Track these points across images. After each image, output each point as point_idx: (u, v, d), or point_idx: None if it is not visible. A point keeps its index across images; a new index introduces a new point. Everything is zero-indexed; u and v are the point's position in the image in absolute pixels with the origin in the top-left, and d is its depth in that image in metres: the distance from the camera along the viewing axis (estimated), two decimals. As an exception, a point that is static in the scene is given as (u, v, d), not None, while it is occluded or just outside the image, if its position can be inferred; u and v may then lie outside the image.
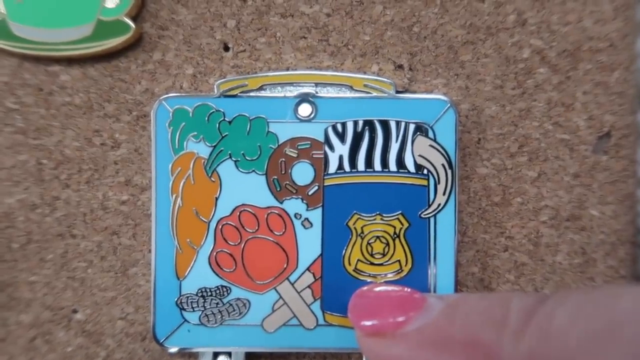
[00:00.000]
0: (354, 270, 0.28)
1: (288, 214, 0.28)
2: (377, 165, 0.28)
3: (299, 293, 0.28)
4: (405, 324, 0.24)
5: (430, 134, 0.27)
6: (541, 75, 0.29)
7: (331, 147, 0.28)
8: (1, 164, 0.30)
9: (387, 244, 0.28)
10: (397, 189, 0.28)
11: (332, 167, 0.28)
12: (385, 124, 0.28)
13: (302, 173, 0.28)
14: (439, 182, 0.28)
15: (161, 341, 0.28)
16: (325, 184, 0.28)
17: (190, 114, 0.28)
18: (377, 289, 0.26)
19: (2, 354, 0.30)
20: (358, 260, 0.28)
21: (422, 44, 0.29)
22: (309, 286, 0.28)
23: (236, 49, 0.29)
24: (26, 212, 0.30)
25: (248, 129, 0.28)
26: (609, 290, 0.20)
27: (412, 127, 0.28)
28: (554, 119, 0.29)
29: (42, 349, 0.30)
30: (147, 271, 0.30)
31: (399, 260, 0.28)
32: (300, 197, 0.28)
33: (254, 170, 0.28)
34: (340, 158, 0.28)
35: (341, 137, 0.28)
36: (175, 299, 0.28)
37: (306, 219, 0.28)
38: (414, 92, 0.29)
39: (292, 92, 0.28)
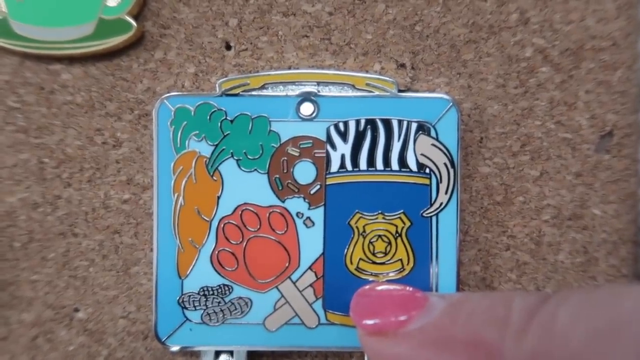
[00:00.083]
0: (355, 269, 0.28)
1: (290, 213, 0.28)
2: (379, 164, 0.28)
3: (300, 292, 0.28)
4: (407, 323, 0.24)
5: (433, 133, 0.27)
6: (543, 74, 0.29)
7: (333, 146, 0.28)
8: (3, 162, 0.30)
9: (389, 243, 0.28)
10: (399, 187, 0.28)
11: (334, 166, 0.28)
12: (387, 123, 0.27)
13: (304, 172, 0.28)
14: (441, 181, 0.28)
15: (163, 340, 0.28)
16: (327, 183, 0.28)
17: (192, 113, 0.28)
18: (379, 287, 0.26)
19: (4, 352, 0.30)
20: (360, 259, 0.28)
21: (424, 43, 0.29)
22: (310, 285, 0.28)
23: (238, 47, 0.29)
24: (28, 211, 0.30)
25: (250, 128, 0.28)
26: (611, 289, 0.20)
27: (414, 126, 0.27)
28: (556, 118, 0.29)
29: (43, 348, 0.30)
30: (149, 270, 0.30)
31: (400, 259, 0.28)
32: (302, 196, 0.28)
33: (255, 169, 0.28)
34: (342, 157, 0.28)
35: (343, 136, 0.28)
36: (177, 298, 0.28)
37: (308, 217, 0.28)
38: (416, 91, 0.29)
39: (294, 91, 0.28)
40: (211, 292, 0.28)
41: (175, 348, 0.28)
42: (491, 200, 0.30)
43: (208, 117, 0.28)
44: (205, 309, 0.28)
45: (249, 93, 0.28)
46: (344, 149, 0.28)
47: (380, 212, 0.28)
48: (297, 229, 0.28)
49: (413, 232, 0.28)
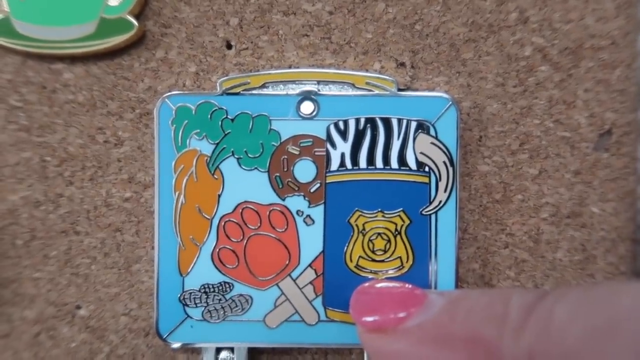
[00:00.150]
0: (355, 267, 0.28)
1: (290, 211, 0.28)
2: (379, 163, 0.28)
3: (300, 289, 0.28)
4: (406, 319, 0.24)
5: (432, 132, 0.28)
6: (543, 73, 0.29)
7: (333, 145, 0.28)
8: (5, 161, 0.30)
9: (389, 241, 0.28)
10: (398, 186, 0.28)
11: (334, 164, 0.28)
12: (387, 122, 0.28)
13: (304, 170, 0.28)
14: (440, 180, 0.28)
15: (164, 337, 0.28)
16: (327, 181, 0.28)
17: (193, 112, 0.28)
18: (379, 285, 0.27)
19: (6, 349, 0.30)
20: (359, 256, 0.28)
21: (424, 42, 0.29)
22: (310, 282, 0.28)
23: (239, 46, 0.30)
24: (30, 209, 0.30)
25: (250, 126, 0.28)
26: (609, 286, 0.20)
27: (413, 124, 0.28)
28: (555, 117, 0.29)
29: (46, 345, 0.30)
30: (150, 267, 0.30)
31: (400, 257, 0.28)
32: (302, 194, 0.28)
33: (256, 168, 0.28)
34: (342, 155, 0.28)
35: (343, 134, 0.28)
36: (178, 295, 0.28)
37: (308, 215, 0.28)
38: (416, 89, 0.29)
39: (295, 89, 0.28)
40: (212, 290, 0.28)
41: (176, 345, 0.28)
42: (490, 199, 0.30)
43: (209, 116, 0.28)
44: (206, 306, 0.28)
45: (250, 92, 0.28)
46: (343, 147, 0.28)
47: (379, 210, 0.28)
48: (297, 227, 0.28)
49: (412, 230, 0.28)
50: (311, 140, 0.28)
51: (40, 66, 0.30)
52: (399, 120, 0.28)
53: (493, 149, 0.30)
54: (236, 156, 0.28)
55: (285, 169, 0.28)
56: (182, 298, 0.28)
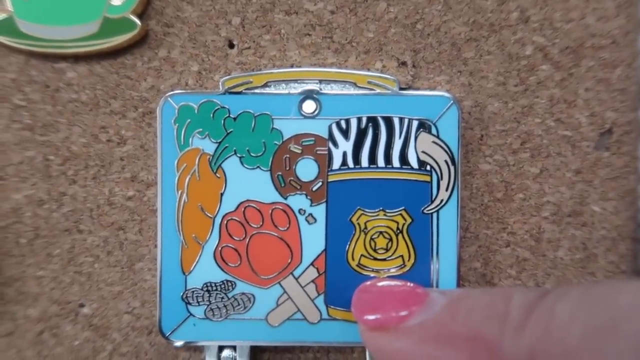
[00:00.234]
0: (357, 265, 0.28)
1: (292, 210, 0.28)
2: (381, 162, 0.28)
3: (303, 288, 0.28)
4: (408, 318, 0.24)
5: (433, 131, 0.28)
6: (543, 72, 0.29)
7: (335, 144, 0.28)
8: (9, 160, 0.30)
9: (390, 240, 0.28)
10: (400, 185, 0.28)
11: (336, 163, 0.28)
12: (388, 121, 0.28)
13: (306, 169, 0.28)
14: (441, 178, 0.28)
15: (167, 335, 0.28)
16: (329, 180, 0.28)
17: (196, 111, 0.28)
18: (380, 283, 0.27)
19: (10, 347, 0.30)
20: (361, 255, 0.28)
21: (425, 41, 0.29)
22: (312, 281, 0.28)
23: (241, 46, 0.30)
24: (33, 208, 0.30)
25: (253, 125, 0.28)
26: (610, 285, 0.20)
27: (415, 123, 0.28)
28: (556, 116, 0.30)
29: (49, 343, 0.30)
30: (153, 266, 0.30)
31: (401, 256, 0.28)
32: (304, 193, 0.28)
33: (258, 167, 0.28)
34: (344, 154, 0.28)
35: (345, 133, 0.28)
36: (181, 294, 0.28)
37: (310, 214, 0.28)
38: (417, 88, 0.29)
39: (297, 88, 0.28)
40: (214, 288, 0.28)
41: (179, 343, 0.29)
42: (491, 197, 0.30)
43: (211, 115, 0.28)
44: (208, 305, 0.28)
45: (252, 91, 0.28)
46: (345, 146, 0.28)
47: (381, 208, 0.28)
48: (299, 225, 0.28)
49: (414, 228, 0.28)
50: (313, 139, 0.28)
51: (44, 65, 0.30)
52: (401, 119, 0.28)
53: (494, 147, 0.30)
54: (238, 155, 0.28)
55: (288, 168, 0.28)
56: (184, 296, 0.28)
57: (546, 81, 0.29)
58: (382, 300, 0.25)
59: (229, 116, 0.28)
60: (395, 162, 0.28)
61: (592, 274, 0.30)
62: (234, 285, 0.28)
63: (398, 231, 0.28)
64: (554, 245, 0.30)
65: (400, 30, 0.29)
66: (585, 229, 0.30)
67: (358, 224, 0.28)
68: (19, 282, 0.30)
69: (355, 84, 0.28)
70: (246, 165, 0.28)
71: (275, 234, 0.28)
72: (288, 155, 0.28)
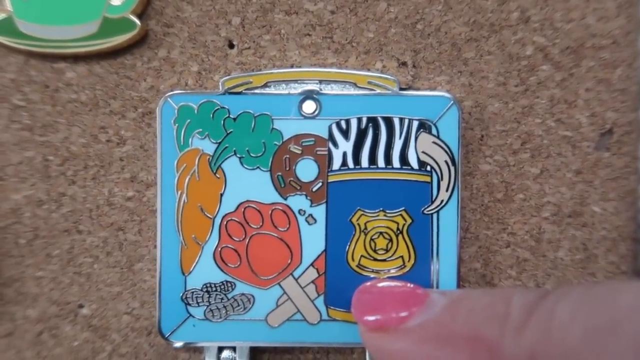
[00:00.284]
0: (357, 266, 0.28)
1: (292, 210, 0.28)
2: (381, 162, 0.28)
3: (302, 288, 0.28)
4: (408, 319, 0.24)
5: (434, 131, 0.28)
6: (544, 72, 0.29)
7: (335, 144, 0.28)
8: (8, 160, 0.30)
9: (390, 240, 0.28)
10: (400, 185, 0.28)
11: (336, 163, 0.28)
12: (388, 121, 0.28)
13: (306, 170, 0.28)
14: (442, 179, 0.28)
15: (166, 336, 0.28)
16: (329, 181, 0.28)
17: (196, 111, 0.28)
18: (380, 284, 0.27)
19: (9, 348, 0.30)
20: (361, 256, 0.28)
21: (425, 41, 0.29)
22: (312, 281, 0.28)
23: (241, 46, 0.30)
24: (33, 208, 0.30)
25: (253, 125, 0.28)
26: (610, 286, 0.20)
27: (415, 124, 0.28)
28: (557, 116, 0.29)
29: (48, 343, 0.30)
30: (153, 266, 0.30)
31: (402, 256, 0.28)
32: (304, 193, 0.28)
33: (258, 167, 0.28)
34: (344, 155, 0.28)
35: (345, 134, 0.28)
36: (181, 294, 0.28)
37: (310, 215, 0.28)
38: (418, 89, 0.29)
39: (297, 89, 0.28)
40: (214, 289, 0.28)
41: (178, 344, 0.28)
42: (492, 198, 0.30)
43: (211, 115, 0.28)
44: (208, 305, 0.28)
45: (252, 91, 0.28)
46: (345, 146, 0.28)
47: (381, 209, 0.28)
48: (299, 226, 0.28)
49: (414, 229, 0.28)
50: (313, 139, 0.28)
51: (43, 65, 0.30)
52: (401, 120, 0.28)
53: (494, 148, 0.30)
54: (238, 155, 0.28)
55: (287, 168, 0.28)
56: (184, 297, 0.28)
57: (546, 81, 0.29)
58: (382, 301, 0.25)
59: (228, 116, 0.28)
60: (396, 163, 0.28)
61: (593, 274, 0.30)
62: (233, 286, 0.28)
63: (398, 232, 0.28)
64: (554, 246, 0.30)
65: (401, 31, 0.29)
66: (585, 229, 0.30)
67: (358, 224, 0.28)
68: (18, 283, 0.30)
69: (355, 84, 0.28)
70: (246, 166, 0.28)
71: (275, 235, 0.28)
72: (288, 156, 0.28)
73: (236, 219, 0.28)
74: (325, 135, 0.28)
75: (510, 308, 0.21)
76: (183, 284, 0.28)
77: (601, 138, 0.30)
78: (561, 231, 0.30)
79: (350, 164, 0.28)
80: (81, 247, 0.30)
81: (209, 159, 0.28)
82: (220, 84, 0.28)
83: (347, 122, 0.28)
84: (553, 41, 0.29)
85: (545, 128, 0.29)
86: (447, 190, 0.28)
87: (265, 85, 0.28)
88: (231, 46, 0.30)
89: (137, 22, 0.29)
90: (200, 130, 0.28)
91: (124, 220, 0.30)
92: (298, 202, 0.28)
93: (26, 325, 0.30)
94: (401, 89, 0.28)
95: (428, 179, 0.28)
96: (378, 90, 0.28)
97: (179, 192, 0.28)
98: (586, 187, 0.30)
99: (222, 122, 0.28)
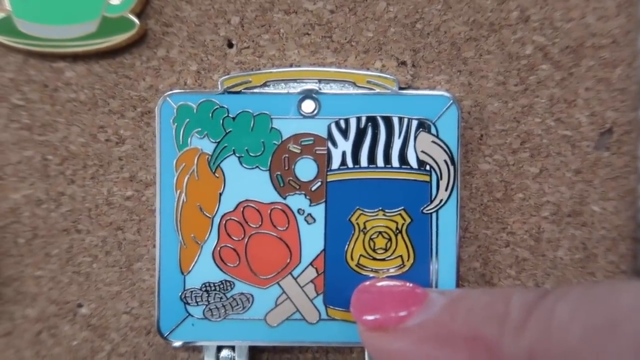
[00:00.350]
0: (356, 266, 0.28)
1: (291, 210, 0.28)
2: (380, 161, 0.28)
3: (301, 288, 0.28)
4: (407, 318, 0.24)
5: (433, 130, 0.28)
6: (544, 71, 0.29)
7: (334, 143, 0.28)
8: (7, 159, 0.30)
9: (390, 240, 0.28)
10: (399, 184, 0.28)
11: (335, 163, 0.28)
12: (388, 120, 0.28)
13: (306, 169, 0.28)
14: (441, 178, 0.28)
15: (165, 335, 0.28)
16: (328, 180, 0.28)
17: (195, 110, 0.28)
18: (380, 284, 0.27)
19: (8, 347, 0.30)
20: (360, 255, 0.28)
21: (425, 41, 0.29)
22: (311, 281, 0.28)
23: (240, 45, 0.30)
24: (32, 208, 0.30)
25: (252, 125, 0.28)
26: (610, 285, 0.20)
27: (414, 123, 0.28)
28: (556, 115, 0.29)
29: (47, 343, 0.30)
30: (152, 266, 0.30)
31: (401, 256, 0.28)
32: (303, 192, 0.28)
33: (257, 166, 0.28)
34: (343, 154, 0.28)
35: (344, 133, 0.28)
36: (180, 294, 0.28)
37: (309, 214, 0.28)
38: (417, 88, 0.29)
39: (296, 88, 0.28)
40: (213, 288, 0.28)
41: (177, 343, 0.28)
42: (491, 197, 0.30)
43: (210, 115, 0.28)
44: (207, 305, 0.28)
45: (251, 91, 0.28)
46: (345, 146, 0.28)
47: (380, 208, 0.28)
48: (298, 225, 0.28)
49: (413, 228, 0.28)
50: (312, 138, 0.28)
51: (42, 65, 0.30)
52: (400, 119, 0.28)
53: (494, 147, 0.30)
54: (237, 155, 0.28)
55: (287, 168, 0.28)
56: (183, 296, 0.28)
57: (546, 81, 0.29)
58: (381, 300, 0.25)
59: (227, 116, 0.28)
60: (395, 162, 0.28)
61: (592, 274, 0.30)
62: (232, 285, 0.28)
63: (397, 231, 0.28)
64: (553, 245, 0.30)
65: (400, 30, 0.29)
66: (585, 228, 0.30)
67: (357, 223, 0.28)
68: (17, 282, 0.30)
69: (354, 84, 0.28)
70: (245, 165, 0.28)
71: (274, 234, 0.28)
72: (287, 155, 0.28)
73: (235, 219, 0.28)
74: (325, 135, 0.28)
75: (510, 308, 0.21)
76: (182, 283, 0.28)
77: (601, 137, 0.30)
78: (561, 230, 0.30)
79: (350, 163, 0.28)
80: (80, 247, 0.30)
81: (208, 158, 0.28)
82: (219, 83, 0.28)
83: (346, 121, 0.28)
84: (553, 40, 0.29)
85: (545, 127, 0.29)
86: (446, 190, 0.28)
87: (265, 85, 0.28)
88: (230, 45, 0.30)
89: (136, 21, 0.29)
90: (199, 129, 0.28)
91: (123, 220, 0.30)
92: (297, 201, 0.28)
93: (25, 324, 0.30)
94: (400, 88, 0.28)
95: (427, 178, 0.28)
96: (377, 90, 0.28)
97: (178, 192, 0.28)
98: (586, 186, 0.30)
99: (221, 121, 0.28)
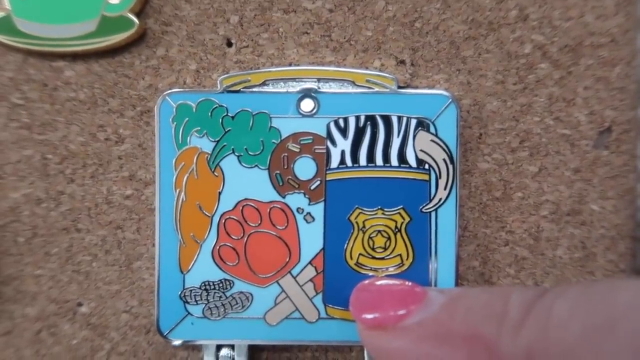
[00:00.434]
0: (355, 264, 0.28)
1: (290, 209, 0.28)
2: (379, 160, 0.28)
3: (301, 286, 0.28)
4: (406, 317, 0.24)
5: (432, 129, 0.28)
6: (542, 70, 0.29)
7: (333, 142, 0.28)
8: (7, 159, 0.30)
9: (389, 238, 0.28)
10: (398, 183, 0.28)
11: (334, 162, 0.28)
12: (387, 119, 0.28)
13: (305, 168, 0.28)
14: (440, 177, 0.28)
15: (165, 334, 0.28)
16: (328, 179, 0.28)
17: (194, 109, 0.28)
18: (379, 282, 0.27)
19: (8, 346, 0.30)
20: (360, 254, 0.28)
21: (424, 40, 0.29)
22: (311, 280, 0.28)
23: (239, 44, 0.30)
24: (31, 207, 0.30)
25: (251, 124, 0.28)
26: (608, 284, 0.20)
27: (413, 122, 0.28)
28: (555, 114, 0.29)
29: (47, 342, 0.30)
30: (151, 265, 0.30)
31: (400, 254, 0.28)
32: (302, 191, 0.28)
33: (256, 165, 0.28)
34: (342, 153, 0.28)
35: (343, 132, 0.28)
36: (179, 293, 0.28)
37: (308, 213, 0.28)
38: (416, 87, 0.29)
39: (295, 87, 0.28)
40: (212, 287, 0.28)
41: (177, 342, 0.28)
42: (490, 196, 0.30)
43: (209, 114, 0.28)
44: (206, 304, 0.28)
45: (250, 90, 0.28)
46: (344, 145, 0.28)
47: (379, 207, 0.28)
48: (297, 224, 0.28)
49: (412, 227, 0.28)
50: (311, 137, 0.28)
51: (42, 64, 0.30)
52: (399, 118, 0.28)
53: (493, 146, 0.30)
54: (236, 154, 0.28)
55: (286, 167, 0.28)
56: (182, 295, 0.28)
57: (545, 79, 0.29)
58: (381, 299, 0.25)
59: (227, 115, 0.28)
60: (394, 161, 0.28)
61: (591, 272, 0.30)
62: (232, 284, 0.28)
63: (396, 230, 0.28)
64: (552, 244, 0.30)
65: (399, 29, 0.29)
66: (584, 227, 0.30)
67: (356, 222, 0.28)
68: (17, 281, 0.30)
69: (353, 83, 0.28)
70: (244, 164, 0.28)
71: (274, 233, 0.28)
72: (286, 154, 0.28)
73: (234, 217, 0.28)
74: (324, 134, 0.28)
75: (508, 306, 0.21)
76: (181, 282, 0.28)
77: (600, 136, 0.30)
78: (560, 229, 0.30)
79: (349, 162, 0.28)
80: (80, 246, 0.30)
81: (207, 157, 0.28)
82: (218, 82, 0.28)
83: (345, 120, 0.28)
84: (551, 39, 0.29)
85: (544, 126, 0.29)
86: (445, 189, 0.28)
87: (264, 84, 0.28)
88: (229, 44, 0.30)
89: (136, 20, 0.29)
90: (199, 128, 0.28)
91: (122, 219, 0.30)
92: (296, 200, 0.28)
93: (25, 323, 0.30)
94: (399, 87, 0.28)
95: (426, 177, 0.28)
96: (376, 89, 0.28)
97: (178, 191, 0.28)
98: (585, 185, 0.30)
99: (220, 120, 0.28)
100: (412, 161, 0.28)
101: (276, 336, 0.28)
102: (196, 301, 0.28)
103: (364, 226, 0.28)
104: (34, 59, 0.30)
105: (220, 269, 0.28)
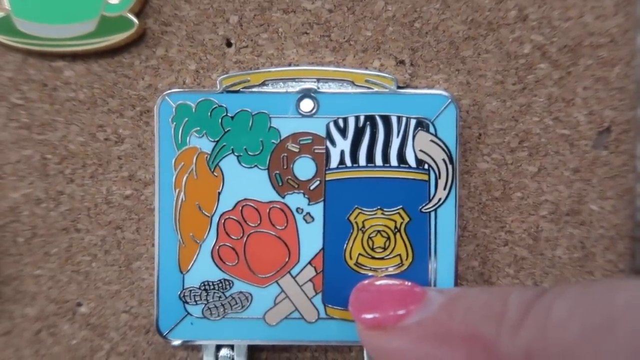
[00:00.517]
0: (355, 264, 0.28)
1: (290, 209, 0.28)
2: (378, 160, 0.28)
3: (300, 287, 0.28)
4: (405, 317, 0.24)
5: (431, 129, 0.28)
6: (542, 70, 0.29)
7: (333, 142, 0.28)
8: (6, 159, 0.30)
9: (388, 238, 0.28)
10: (398, 183, 0.28)
11: (334, 162, 0.28)
12: (386, 119, 0.28)
13: (304, 168, 0.28)
14: (439, 177, 0.28)
15: (164, 334, 0.28)
16: (327, 179, 0.28)
17: (193, 110, 0.28)
18: (378, 282, 0.27)
19: (8, 346, 0.30)
20: (359, 254, 0.28)
21: (423, 40, 0.29)
22: (310, 280, 0.28)
23: (239, 44, 0.30)
24: (31, 207, 0.30)
25: (250, 124, 0.28)
26: (607, 284, 0.20)
27: (413, 122, 0.28)
28: (555, 114, 0.29)
29: (47, 342, 0.30)
30: (151, 265, 0.30)
31: (399, 255, 0.28)
32: (302, 191, 0.28)
33: (256, 165, 0.28)
34: (342, 153, 0.28)
35: (343, 132, 0.28)
36: (179, 293, 0.28)
37: (308, 213, 0.28)
38: (415, 87, 0.29)
39: (294, 87, 0.28)
40: (212, 287, 0.28)
41: (176, 342, 0.28)
42: (489, 196, 0.30)
43: (209, 114, 0.28)
44: (206, 304, 0.28)
45: (250, 90, 0.28)
46: (343, 145, 0.28)
47: (379, 207, 0.28)
48: (297, 224, 0.28)
49: (412, 227, 0.28)
50: (311, 137, 0.28)
51: (41, 64, 0.30)
52: (399, 118, 0.28)
53: (492, 146, 0.30)
54: (236, 154, 0.28)
55: (285, 167, 0.28)
56: (182, 295, 0.28)
57: (544, 80, 0.29)
58: (380, 299, 0.25)
59: (226, 115, 0.28)
60: (393, 161, 0.28)
61: (590, 272, 0.30)
62: (231, 284, 0.28)
63: (396, 230, 0.28)
64: (552, 244, 0.30)
65: (398, 29, 0.29)
66: (583, 227, 0.30)
67: (356, 222, 0.28)
68: (16, 281, 0.30)
69: (353, 83, 0.28)
70: (244, 164, 0.28)
71: (273, 233, 0.28)
72: (286, 154, 0.28)
73: (234, 217, 0.28)
74: (323, 134, 0.28)
75: (508, 306, 0.21)
76: (181, 282, 0.28)
77: (599, 136, 0.30)
78: (559, 229, 0.30)
79: (348, 162, 0.28)
80: (79, 246, 0.30)
81: (206, 157, 0.28)
82: (218, 82, 0.28)
83: (345, 120, 0.28)
84: (551, 39, 0.29)
85: (543, 126, 0.29)
86: (444, 189, 0.28)
87: (263, 84, 0.28)
88: (229, 45, 0.30)
89: (135, 20, 0.29)
90: (198, 128, 0.28)
91: (122, 219, 0.30)
92: (296, 200, 0.28)
93: (24, 323, 0.30)
94: (399, 87, 0.28)
95: (426, 177, 0.28)
96: (376, 89, 0.28)
97: (177, 191, 0.28)
98: (584, 185, 0.30)
99: (219, 120, 0.28)
100: (411, 161, 0.28)
101: (276, 336, 0.28)
102: (196, 301, 0.28)
103: (363, 226, 0.28)
104: (34, 59, 0.30)
105: (220, 269, 0.28)
